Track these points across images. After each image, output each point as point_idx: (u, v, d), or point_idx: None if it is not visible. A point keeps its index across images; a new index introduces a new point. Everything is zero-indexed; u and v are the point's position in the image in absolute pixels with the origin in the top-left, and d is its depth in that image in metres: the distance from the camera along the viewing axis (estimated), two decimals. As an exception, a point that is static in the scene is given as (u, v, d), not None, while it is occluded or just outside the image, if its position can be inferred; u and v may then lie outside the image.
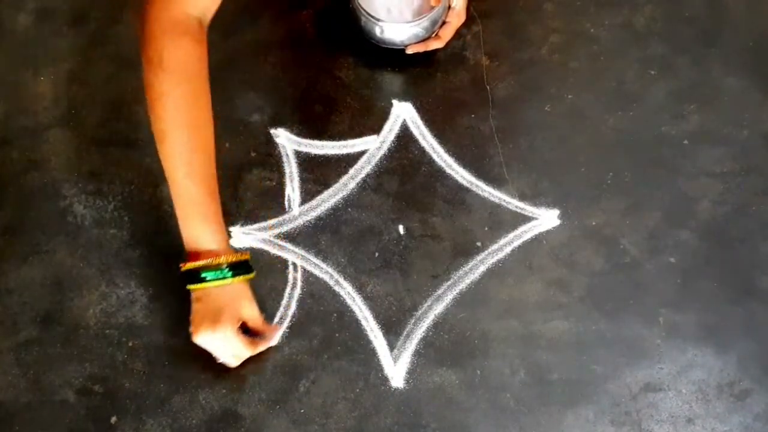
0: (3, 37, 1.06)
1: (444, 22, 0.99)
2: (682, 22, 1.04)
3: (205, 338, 0.81)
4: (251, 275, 0.84)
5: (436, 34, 0.99)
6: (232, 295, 0.82)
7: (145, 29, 0.75)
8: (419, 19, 0.96)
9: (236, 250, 0.84)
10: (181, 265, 0.83)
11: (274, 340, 0.87)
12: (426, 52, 1.00)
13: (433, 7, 0.96)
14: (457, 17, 0.98)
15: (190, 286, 0.82)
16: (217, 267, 0.80)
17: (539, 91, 1.01)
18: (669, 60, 1.02)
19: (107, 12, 1.06)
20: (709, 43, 1.02)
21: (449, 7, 0.98)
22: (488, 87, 1.01)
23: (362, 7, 0.97)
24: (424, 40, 0.99)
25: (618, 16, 1.04)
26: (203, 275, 0.80)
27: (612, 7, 1.04)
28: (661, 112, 0.99)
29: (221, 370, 0.87)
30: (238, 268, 0.82)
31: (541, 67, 1.02)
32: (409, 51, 0.99)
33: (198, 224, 0.80)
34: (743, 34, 1.03)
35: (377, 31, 0.98)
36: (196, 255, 0.81)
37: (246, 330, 0.85)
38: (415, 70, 1.03)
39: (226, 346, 0.83)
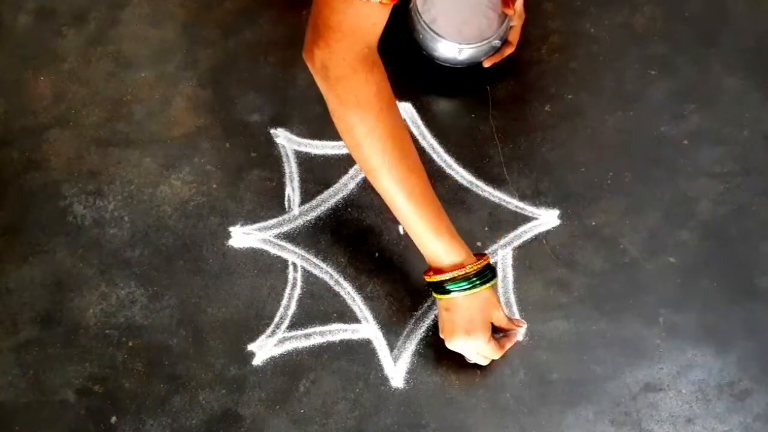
0: (3, 37, 1.06)
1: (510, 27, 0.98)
2: (682, 22, 1.04)
3: (458, 345, 0.82)
4: (495, 280, 0.81)
5: (507, 41, 0.98)
6: (481, 304, 0.80)
7: (331, 72, 0.71)
8: (490, 39, 0.95)
9: (479, 256, 0.81)
10: (425, 275, 0.82)
11: (520, 335, 0.87)
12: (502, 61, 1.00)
13: (503, 19, 0.95)
14: (519, 18, 0.97)
15: (437, 296, 0.81)
16: (462, 278, 0.78)
17: (539, 91, 1.01)
18: (669, 60, 1.02)
19: (107, 12, 1.06)
20: (709, 43, 1.02)
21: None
22: (488, 87, 1.01)
23: (436, 34, 0.94)
24: (498, 50, 0.98)
25: (618, 16, 1.04)
26: (448, 287, 0.79)
27: (612, 7, 1.04)
28: (661, 112, 0.99)
29: (222, 369, 0.88)
30: (482, 274, 0.79)
31: (541, 67, 1.02)
32: (487, 64, 0.98)
33: (432, 241, 0.78)
34: (743, 34, 1.03)
35: (457, 54, 0.96)
36: (438, 270, 0.80)
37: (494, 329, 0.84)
38: (414, 69, 1.03)
39: (478, 351, 0.83)
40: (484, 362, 0.86)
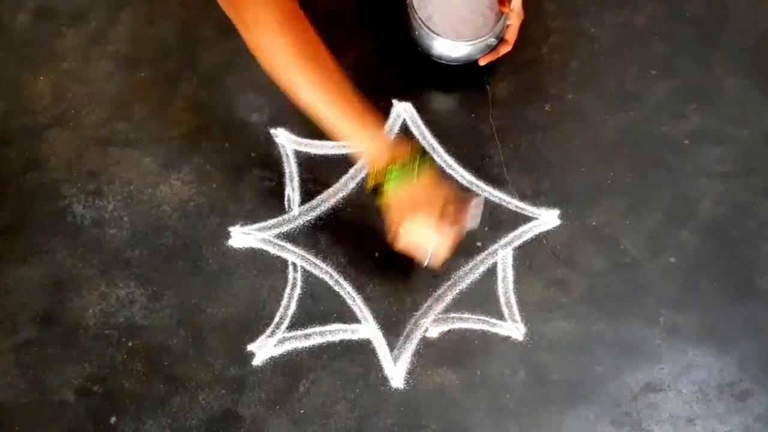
0: (3, 37, 1.06)
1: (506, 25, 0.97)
2: (683, 22, 1.04)
3: (413, 232, 0.81)
4: (427, 160, 0.82)
5: (503, 39, 0.98)
6: (421, 186, 0.80)
7: (237, 3, 0.77)
8: (485, 37, 0.95)
9: (404, 143, 0.82)
10: (365, 187, 0.84)
11: (475, 207, 0.85)
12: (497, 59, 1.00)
13: (500, 17, 0.95)
14: (517, 17, 0.97)
15: (380, 199, 0.82)
16: (390, 171, 0.80)
17: (539, 91, 1.01)
18: (669, 60, 1.02)
19: (107, 12, 1.06)
20: (710, 43, 1.02)
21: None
22: (488, 87, 1.01)
23: (431, 31, 0.94)
24: (494, 48, 0.98)
25: (618, 16, 1.04)
26: (386, 185, 0.80)
27: (612, 7, 1.04)
28: (662, 112, 0.99)
29: (222, 369, 0.87)
30: (411, 164, 0.80)
31: (541, 67, 1.02)
32: (482, 62, 0.98)
33: (360, 144, 0.81)
34: (743, 34, 1.03)
35: (452, 51, 0.96)
36: (374, 174, 0.81)
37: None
38: (415, 69, 1.02)
39: (430, 234, 0.81)
40: (438, 259, 0.84)
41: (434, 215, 0.80)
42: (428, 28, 0.95)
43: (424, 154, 0.82)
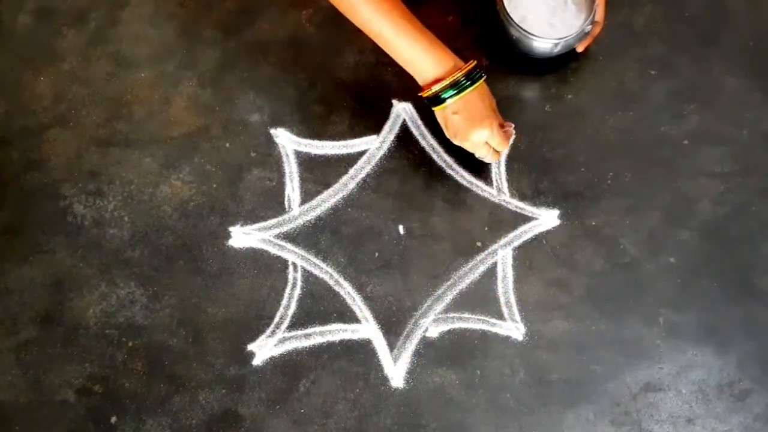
0: (3, 37, 1.06)
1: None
2: (682, 22, 1.04)
3: (472, 139, 0.88)
4: (482, 78, 0.88)
5: (594, 20, 0.97)
6: (481, 98, 0.87)
7: None
8: (583, 24, 0.94)
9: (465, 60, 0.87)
10: (420, 94, 0.87)
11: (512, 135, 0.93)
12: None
13: (591, 2, 0.94)
14: None
15: (438, 108, 0.88)
16: (453, 84, 0.85)
17: (539, 91, 1.01)
18: (669, 60, 1.02)
19: (107, 12, 1.06)
20: (709, 43, 1.02)
21: None
22: (488, 87, 1.01)
23: (527, 33, 0.93)
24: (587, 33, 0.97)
25: (618, 16, 1.04)
26: (443, 96, 0.85)
27: (612, 7, 1.04)
28: (661, 112, 0.99)
29: (222, 369, 0.87)
30: (471, 75, 0.86)
31: (542, 67, 1.02)
32: (580, 49, 0.98)
33: (421, 60, 0.86)
34: (743, 34, 1.03)
35: (552, 49, 0.96)
36: (433, 83, 0.86)
37: None
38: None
39: (489, 140, 0.89)
40: (492, 157, 0.91)
41: (493, 127, 0.87)
42: (525, 30, 0.94)
43: (480, 72, 0.87)
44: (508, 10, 0.94)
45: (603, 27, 0.97)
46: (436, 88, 0.85)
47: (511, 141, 0.92)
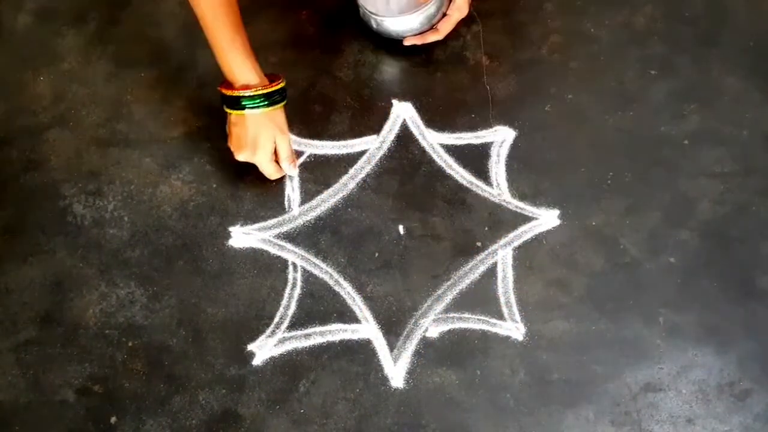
0: (3, 37, 1.06)
1: (444, 15, 0.98)
2: (682, 22, 1.04)
3: (244, 158, 0.93)
4: (282, 104, 0.91)
5: (435, 27, 0.98)
6: (267, 124, 0.91)
7: None
8: (414, 12, 0.95)
9: (271, 80, 0.90)
10: (220, 88, 0.90)
11: (293, 172, 0.96)
12: (424, 46, 1.00)
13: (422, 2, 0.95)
14: (458, 11, 0.97)
15: (228, 110, 0.90)
16: (251, 97, 0.88)
17: (539, 91, 1.01)
18: (669, 60, 1.02)
19: (107, 12, 1.06)
20: (709, 43, 1.02)
21: (450, 0, 0.97)
22: (488, 87, 1.01)
23: (362, 3, 0.96)
24: (422, 32, 0.98)
25: (618, 16, 1.04)
26: (243, 103, 0.88)
27: (612, 7, 1.04)
28: (661, 112, 0.99)
29: (222, 369, 0.88)
30: (271, 97, 0.89)
31: (541, 67, 1.02)
32: (406, 43, 0.99)
33: (226, 56, 0.88)
34: (743, 34, 1.03)
35: (373, 24, 0.98)
36: (231, 85, 0.89)
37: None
38: (415, 69, 1.03)
39: (260, 166, 0.94)
40: (269, 175, 0.95)
41: (265, 160, 0.92)
42: (364, 6, 0.96)
43: (281, 97, 0.91)
44: None
45: (441, 41, 1.00)
46: (236, 93, 0.88)
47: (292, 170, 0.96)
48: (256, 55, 0.90)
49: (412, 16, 0.96)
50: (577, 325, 0.89)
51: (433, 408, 0.86)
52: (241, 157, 0.92)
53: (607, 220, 0.94)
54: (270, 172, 0.94)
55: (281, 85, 0.90)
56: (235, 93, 0.88)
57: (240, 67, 0.88)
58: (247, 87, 0.88)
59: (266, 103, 0.89)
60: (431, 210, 0.95)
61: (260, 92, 0.88)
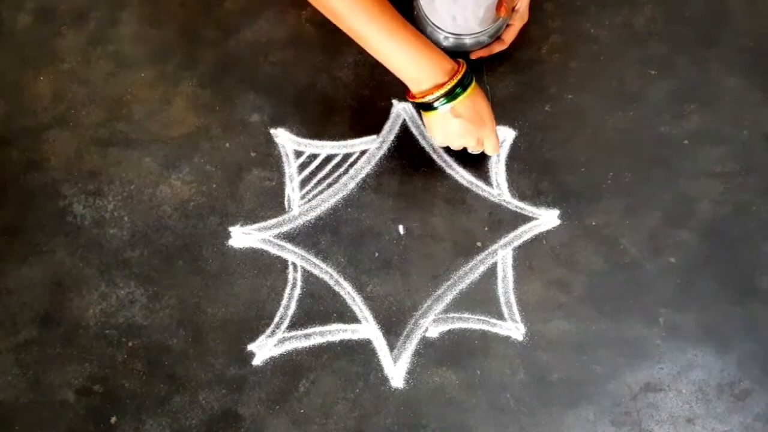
0: (3, 37, 1.06)
1: (508, 25, 0.97)
2: (682, 22, 1.04)
3: (489, 133, 0.89)
4: (473, 82, 0.87)
5: (500, 38, 0.98)
6: (477, 100, 0.87)
7: None
8: (484, 30, 0.95)
9: (454, 63, 0.85)
10: (411, 99, 0.87)
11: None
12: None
13: (498, 17, 0.94)
14: (520, 20, 0.97)
15: (428, 113, 0.87)
16: (450, 93, 0.84)
17: (539, 91, 1.01)
18: (669, 60, 1.02)
19: (107, 12, 1.06)
20: (709, 43, 1.02)
21: (513, 9, 0.97)
22: (488, 87, 1.01)
23: (428, 17, 0.95)
24: (488, 45, 0.98)
25: (618, 16, 1.04)
26: (436, 105, 0.85)
27: (612, 7, 1.04)
28: (661, 112, 0.99)
29: (222, 369, 0.87)
30: (463, 81, 0.85)
31: (541, 67, 1.02)
32: (473, 57, 0.98)
33: (414, 69, 0.84)
34: (743, 34, 1.03)
35: (442, 40, 0.96)
36: (426, 92, 0.85)
37: None
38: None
39: (491, 137, 0.90)
40: (483, 150, 0.91)
41: (492, 128, 0.88)
42: (424, 13, 0.94)
43: (471, 76, 0.86)
44: None
45: (506, 50, 0.99)
46: (430, 97, 0.84)
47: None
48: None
49: (480, 33, 0.95)
50: (577, 325, 0.89)
51: (433, 408, 0.86)
52: (485, 133, 0.89)
53: (607, 220, 0.94)
54: (494, 140, 0.90)
55: (463, 68, 0.86)
56: (446, 87, 0.83)
57: (436, 62, 0.84)
58: (448, 75, 0.84)
59: (461, 91, 0.85)
60: (431, 210, 0.95)
61: (460, 75, 0.84)
